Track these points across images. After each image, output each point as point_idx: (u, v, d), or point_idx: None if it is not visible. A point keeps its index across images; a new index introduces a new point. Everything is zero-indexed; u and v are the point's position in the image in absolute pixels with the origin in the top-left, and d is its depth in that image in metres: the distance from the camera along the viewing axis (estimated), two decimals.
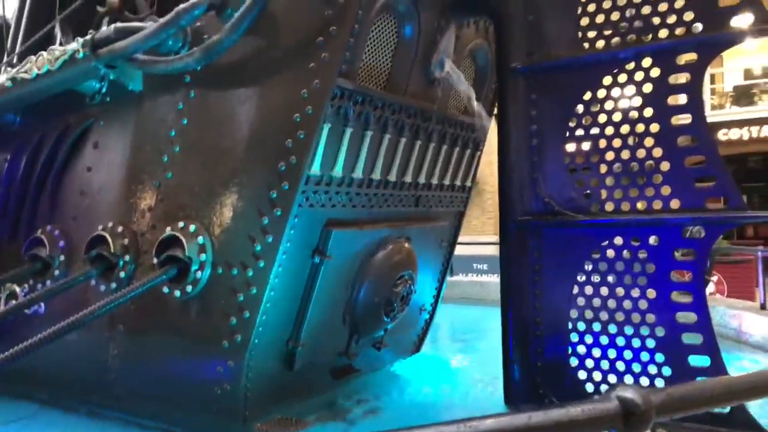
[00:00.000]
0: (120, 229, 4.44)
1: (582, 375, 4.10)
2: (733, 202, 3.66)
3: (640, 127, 3.91)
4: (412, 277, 4.92)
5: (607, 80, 4.00)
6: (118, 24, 4.28)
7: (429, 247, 5.42)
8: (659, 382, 3.84)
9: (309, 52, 3.73)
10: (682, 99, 3.81)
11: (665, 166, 3.83)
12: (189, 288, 4.05)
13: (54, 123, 5.04)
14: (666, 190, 3.84)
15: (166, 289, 4.15)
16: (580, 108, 4.10)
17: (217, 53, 3.84)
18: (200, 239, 4.04)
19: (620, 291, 3.99)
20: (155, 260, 4.15)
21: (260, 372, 4.04)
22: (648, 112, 3.88)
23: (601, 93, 4.03)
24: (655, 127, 3.86)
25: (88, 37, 4.30)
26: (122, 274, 4.38)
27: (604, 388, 4.01)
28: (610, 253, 4.01)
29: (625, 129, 3.97)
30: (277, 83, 3.89)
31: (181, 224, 4.12)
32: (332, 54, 3.70)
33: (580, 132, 4.11)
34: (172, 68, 4.08)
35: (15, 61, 5.41)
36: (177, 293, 4.10)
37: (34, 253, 4.85)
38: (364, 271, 4.58)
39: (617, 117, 3.99)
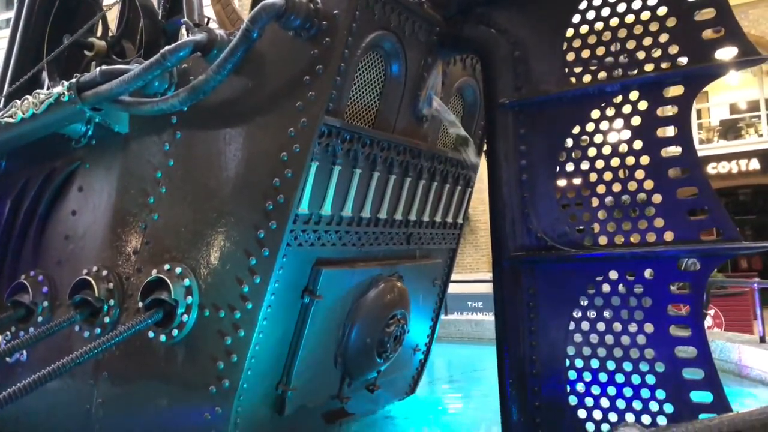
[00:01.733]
0: (105, 272, 4.35)
1: (582, 414, 3.97)
2: (727, 234, 3.61)
3: (630, 160, 3.88)
4: (405, 317, 4.82)
5: (596, 114, 3.99)
6: (104, 67, 4.27)
7: (422, 285, 5.33)
8: (661, 420, 3.73)
9: (295, 91, 3.72)
10: (670, 131, 3.80)
11: (657, 198, 3.79)
12: (175, 332, 3.95)
13: (39, 167, 4.98)
14: (659, 223, 3.78)
15: (151, 334, 4.04)
16: (569, 142, 4.08)
17: (203, 93, 3.82)
18: (186, 281, 3.95)
19: (617, 326, 3.90)
20: (140, 304, 4.05)
21: (249, 418, 3.91)
22: (637, 144, 3.86)
23: (590, 127, 4.01)
24: (645, 160, 3.84)
25: (74, 80, 4.27)
26: (107, 319, 4.27)
27: (605, 427, 3.89)
28: (606, 287, 3.94)
29: (615, 162, 3.94)
30: (264, 122, 3.87)
31: (167, 266, 4.04)
32: (319, 92, 3.69)
33: (570, 166, 4.08)
34: (157, 109, 4.05)
35: (1, 105, 5.37)
36: (163, 337, 4.00)
37: (17, 299, 4.74)
38: (356, 311, 4.49)
39: (607, 150, 3.96)
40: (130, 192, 4.44)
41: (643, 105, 3.87)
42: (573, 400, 4.00)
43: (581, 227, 4.04)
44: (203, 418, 3.84)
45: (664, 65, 3.79)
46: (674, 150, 3.77)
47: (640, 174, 3.86)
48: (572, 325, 4.03)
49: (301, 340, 4.08)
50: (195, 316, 3.92)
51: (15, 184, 5.14)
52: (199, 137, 4.13)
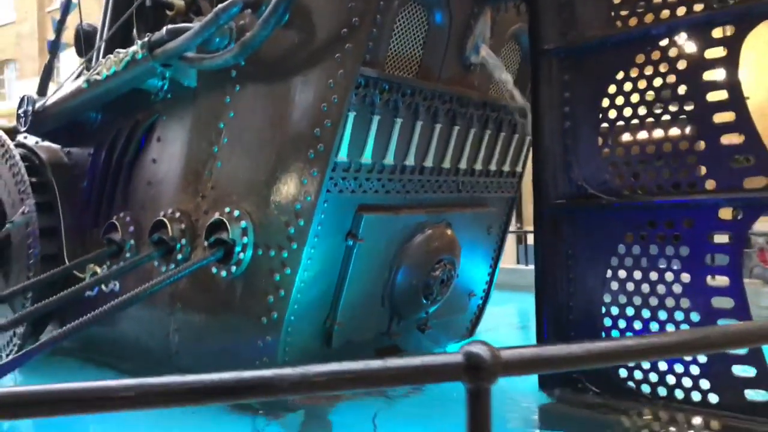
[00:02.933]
0: (178, 215, 4.82)
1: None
2: None
3: (674, 106, 3.77)
4: (453, 262, 4.98)
5: (640, 58, 3.88)
6: (170, 25, 4.64)
7: (474, 233, 5.45)
8: (694, 369, 3.71)
9: (334, 44, 3.91)
10: (718, 74, 3.64)
11: (700, 145, 3.68)
12: (234, 268, 4.36)
13: (126, 120, 5.53)
14: (701, 171, 3.68)
15: (214, 270, 4.49)
16: (612, 88, 4.01)
17: (252, 47, 4.09)
18: (243, 223, 4.33)
19: (654, 275, 3.87)
20: (206, 243, 4.49)
21: (298, 348, 4.29)
22: (682, 89, 3.74)
23: (634, 72, 3.92)
24: (689, 106, 3.71)
25: (146, 39, 4.69)
26: (179, 256, 4.76)
27: (637, 374, 3.92)
28: (644, 236, 3.90)
29: (658, 108, 3.84)
30: (307, 74, 4.10)
31: (227, 209, 4.44)
32: (356, 44, 3.86)
33: (613, 113, 4.02)
34: (216, 64, 4.39)
35: (94, 63, 5.96)
36: (224, 273, 4.43)
37: (110, 237, 5.38)
38: (402, 255, 4.71)
39: (650, 96, 3.86)
40: (199, 142, 4.86)
41: (690, 47, 3.72)
42: None
43: (622, 175, 3.99)
44: (257, 345, 4.27)
45: (713, 4, 3.60)
46: (720, 95, 3.62)
47: (683, 120, 3.74)
48: (609, 273, 4.04)
49: (346, 279, 4.37)
50: (250, 254, 4.31)
51: (108, 135, 5.75)
52: (254, 90, 4.44)
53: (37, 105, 5.86)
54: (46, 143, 6.37)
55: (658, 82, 3.83)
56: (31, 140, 6.44)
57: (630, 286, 3.97)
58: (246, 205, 4.40)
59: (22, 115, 5.98)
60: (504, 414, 4.30)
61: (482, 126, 5.04)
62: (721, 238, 3.66)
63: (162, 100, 5.24)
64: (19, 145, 6.40)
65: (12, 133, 6.44)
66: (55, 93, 5.90)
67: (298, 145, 4.10)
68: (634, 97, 3.93)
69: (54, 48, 7.63)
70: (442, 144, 4.75)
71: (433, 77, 4.47)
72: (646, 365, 3.90)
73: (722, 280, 3.64)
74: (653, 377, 3.88)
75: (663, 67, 3.80)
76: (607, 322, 4.05)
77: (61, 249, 5.80)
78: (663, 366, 3.84)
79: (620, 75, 3.97)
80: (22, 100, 6.02)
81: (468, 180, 5.18)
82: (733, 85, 3.57)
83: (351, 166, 4.14)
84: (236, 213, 4.38)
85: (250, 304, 4.34)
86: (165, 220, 4.84)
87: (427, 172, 4.74)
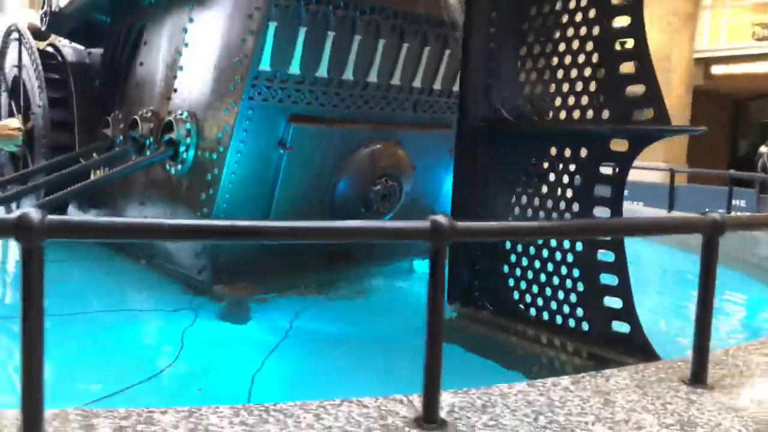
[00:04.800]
0: (149, 114, 5.27)
1: (511, 282, 4.12)
2: (658, 115, 3.33)
3: (583, 30, 3.64)
4: (398, 179, 5.13)
5: None
6: None
7: (434, 153, 5.52)
8: (572, 297, 3.77)
9: None
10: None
11: (601, 73, 3.57)
12: (179, 166, 4.79)
13: (124, 24, 5.97)
14: (600, 100, 3.59)
15: (168, 167, 4.94)
16: (533, 11, 3.90)
17: None
18: (188, 126, 4.71)
19: (549, 203, 3.89)
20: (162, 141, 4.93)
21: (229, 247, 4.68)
22: (592, 13, 3.60)
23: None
24: (596, 30, 3.58)
25: None
26: (147, 152, 5.25)
27: (527, 297, 4.01)
28: (545, 164, 3.89)
29: (570, 32, 3.72)
30: None
31: (179, 112, 4.82)
32: None
33: (531, 38, 3.93)
34: None
35: None
36: (173, 170, 4.87)
37: (104, 131, 5.96)
38: (343, 166, 4.93)
39: (564, 19, 3.74)
40: (169, 47, 5.23)
41: None
42: (506, 268, 4.15)
43: (534, 102, 3.95)
44: None
45: None
46: (625, 19, 3.47)
47: (590, 46, 3.63)
48: (513, 198, 4.08)
49: (276, 184, 4.67)
50: (192, 154, 4.71)
51: (112, 38, 6.25)
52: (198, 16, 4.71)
53: (54, 6, 6.41)
54: (74, 44, 6.98)
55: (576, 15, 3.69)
56: (64, 42, 7.09)
57: (530, 212, 4.00)
58: (193, 109, 4.76)
59: (44, 15, 6.58)
60: (416, 321, 4.55)
61: (442, 45, 5.02)
62: (607, 170, 3.60)
63: (148, 5, 5.61)
64: (50, 44, 7.07)
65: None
66: None
67: (230, 53, 4.36)
68: (550, 22, 3.82)
69: None
70: (389, 61, 4.81)
71: None
72: (535, 289, 3.98)
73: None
74: (540, 302, 3.97)
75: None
76: (508, 245, 4.13)
77: (73, 140, 6.48)
78: (549, 291, 3.91)
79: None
80: (44, 1, 6.61)
81: (426, 99, 5.22)
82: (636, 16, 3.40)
83: (276, 75, 4.34)
84: (184, 115, 4.75)
85: (190, 200, 4.78)
86: (137, 119, 5.31)
87: (372, 88, 4.85)
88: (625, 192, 3.88)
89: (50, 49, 6.95)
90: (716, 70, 17.42)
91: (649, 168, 11.33)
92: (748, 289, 6.21)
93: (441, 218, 1.75)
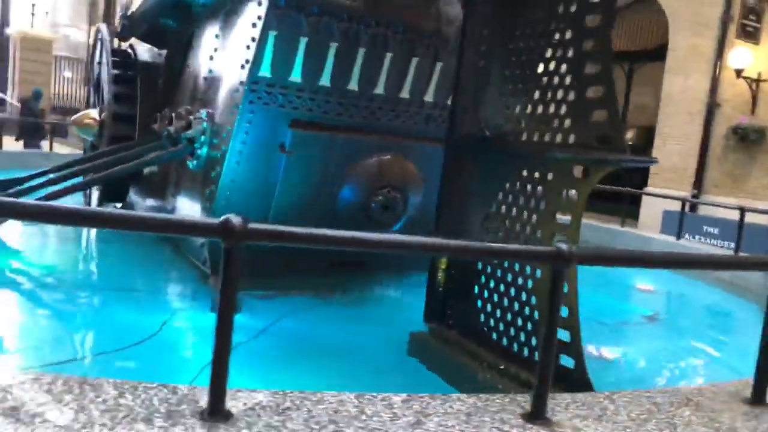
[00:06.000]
0: (183, 113, 5.67)
1: (479, 304, 4.04)
2: (616, 144, 3.18)
3: (560, 52, 3.54)
4: (401, 191, 5.17)
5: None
6: None
7: None
8: (529, 325, 3.65)
9: None
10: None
11: (571, 96, 3.45)
12: (195, 162, 5.13)
13: (183, 28, 6.47)
14: (567, 123, 3.47)
15: (188, 162, 5.30)
16: (517, 32, 3.83)
17: None
18: (204, 125, 5.03)
19: (518, 227, 3.78)
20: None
21: None
22: (569, 34, 3.49)
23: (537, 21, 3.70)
24: (570, 52, 3.47)
25: None
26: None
27: (491, 322, 3.92)
28: (516, 186, 3.80)
29: (549, 53, 3.62)
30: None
31: (200, 111, 5.16)
32: None
33: (514, 58, 3.86)
34: None
35: None
36: (190, 165, 5.22)
37: (152, 126, 6.47)
38: (347, 173, 5.04)
39: (547, 38, 3.65)
40: (204, 52, 5.61)
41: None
42: (477, 289, 4.08)
43: (511, 121, 3.87)
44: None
45: None
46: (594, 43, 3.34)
47: (563, 68, 3.52)
48: (487, 218, 4.02)
49: (276, 186, 4.87)
50: (205, 151, 5.02)
51: (172, 41, 6.77)
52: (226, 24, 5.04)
53: (128, 12, 7.06)
54: (149, 45, 7.63)
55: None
56: (143, 44, 7.78)
57: (501, 235, 3.92)
58: (211, 110, 5.08)
59: (119, 20, 7.25)
60: (398, 333, 4.55)
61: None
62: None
63: (196, 14, 6.05)
64: (130, 45, 7.77)
65: None
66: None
67: (238, 58, 4.62)
68: (531, 43, 3.74)
69: None
70: (396, 74, 4.87)
71: (379, 4, 4.59)
72: (498, 314, 3.89)
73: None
74: (501, 326, 3.87)
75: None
76: (479, 266, 4.05)
77: (134, 132, 7.07)
78: (509, 317, 3.81)
79: (529, 18, 3.77)
80: (121, 7, 7.28)
81: (439, 114, 5.22)
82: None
83: (277, 82, 4.54)
84: (203, 115, 5.09)
85: (201, 193, 5.09)
86: (173, 116, 5.72)
87: (379, 99, 4.93)
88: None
89: (129, 50, 7.64)
90: None
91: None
92: None
93: (233, 218, 1.82)
